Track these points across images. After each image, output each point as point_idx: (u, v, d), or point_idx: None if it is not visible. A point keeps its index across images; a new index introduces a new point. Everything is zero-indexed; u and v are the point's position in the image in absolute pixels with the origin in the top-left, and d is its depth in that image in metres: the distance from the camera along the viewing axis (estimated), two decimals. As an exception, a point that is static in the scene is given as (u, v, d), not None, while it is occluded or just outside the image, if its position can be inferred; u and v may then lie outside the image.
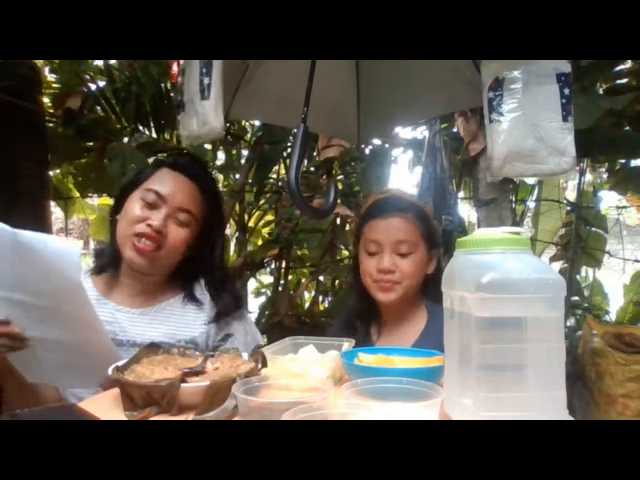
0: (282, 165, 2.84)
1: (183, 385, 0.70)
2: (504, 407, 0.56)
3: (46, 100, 2.41)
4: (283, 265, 2.80)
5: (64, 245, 0.80)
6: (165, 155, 2.13)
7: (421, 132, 2.76)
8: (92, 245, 4.94)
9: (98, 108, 2.41)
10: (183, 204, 1.05)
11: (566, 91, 1.17)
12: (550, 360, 0.58)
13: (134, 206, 1.04)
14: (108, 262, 1.10)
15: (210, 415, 0.66)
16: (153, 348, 0.87)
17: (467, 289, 0.59)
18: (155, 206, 1.04)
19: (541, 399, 0.57)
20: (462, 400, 0.60)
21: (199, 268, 1.14)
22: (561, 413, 0.58)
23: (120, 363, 0.78)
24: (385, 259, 1.15)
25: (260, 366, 0.78)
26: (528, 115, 1.18)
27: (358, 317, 1.25)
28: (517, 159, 1.20)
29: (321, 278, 2.99)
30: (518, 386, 0.57)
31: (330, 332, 1.32)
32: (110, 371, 0.74)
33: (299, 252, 2.98)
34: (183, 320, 1.09)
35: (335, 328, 1.34)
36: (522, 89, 1.19)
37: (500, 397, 0.57)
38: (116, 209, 1.11)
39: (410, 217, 1.18)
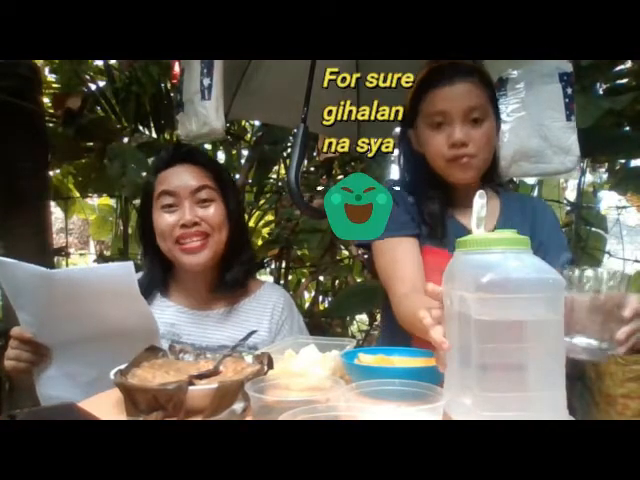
0: (282, 165, 2.84)
1: (191, 388, 0.68)
2: (504, 407, 0.56)
3: (46, 100, 2.41)
4: (283, 265, 2.80)
5: (115, 267, 0.86)
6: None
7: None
8: (92, 245, 4.93)
9: (98, 108, 2.41)
10: (197, 183, 1.03)
11: (569, 90, 1.18)
12: (550, 360, 0.57)
13: (160, 218, 1.03)
14: (158, 277, 1.10)
15: (218, 418, 0.66)
16: (153, 351, 0.85)
17: (467, 289, 0.58)
18: (176, 205, 1.03)
19: (541, 399, 0.57)
20: (462, 400, 0.60)
21: (242, 247, 1.10)
22: (561, 413, 0.58)
23: (122, 367, 0.77)
24: (456, 130, 0.99)
25: (266, 368, 0.76)
26: (532, 115, 1.18)
27: (428, 197, 1.07)
28: (523, 159, 1.21)
29: (321, 278, 2.99)
30: (518, 386, 0.57)
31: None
32: (112, 375, 0.73)
33: (299, 252, 2.98)
34: (246, 324, 1.07)
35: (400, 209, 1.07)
36: (525, 88, 1.19)
37: (500, 397, 0.57)
38: (144, 229, 1.09)
39: (477, 81, 1.02)
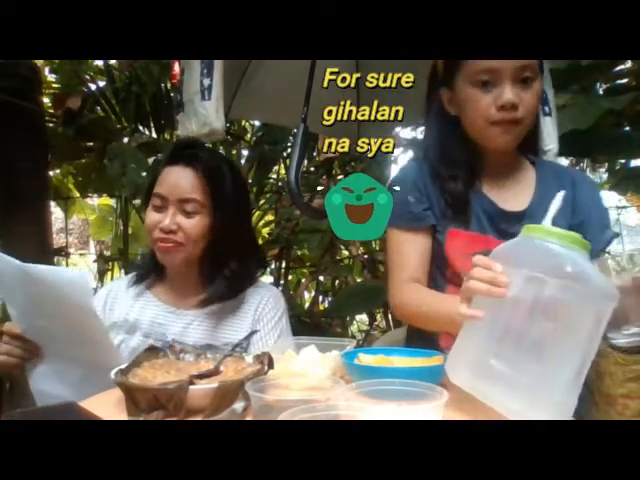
0: (282, 165, 2.84)
1: (191, 387, 0.69)
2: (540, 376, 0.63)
3: (46, 100, 2.41)
4: (283, 265, 2.80)
5: (73, 275, 0.85)
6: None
7: (421, 132, 2.75)
8: (92, 245, 4.93)
9: (98, 108, 2.41)
10: (184, 194, 1.04)
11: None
12: (592, 351, 0.65)
13: (148, 214, 1.07)
14: (151, 266, 1.13)
15: (218, 418, 0.66)
16: (154, 351, 0.86)
17: (548, 272, 0.62)
18: (163, 207, 1.05)
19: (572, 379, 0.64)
20: (494, 364, 0.64)
21: (229, 257, 1.10)
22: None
23: (123, 366, 0.77)
24: (506, 91, 0.90)
25: (267, 368, 0.76)
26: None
27: (455, 167, 1.00)
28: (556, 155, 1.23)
29: (321, 278, 2.99)
30: (565, 364, 0.63)
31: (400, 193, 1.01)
32: (113, 375, 0.74)
33: (299, 252, 2.98)
34: (231, 323, 1.09)
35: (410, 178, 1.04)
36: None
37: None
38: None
39: None
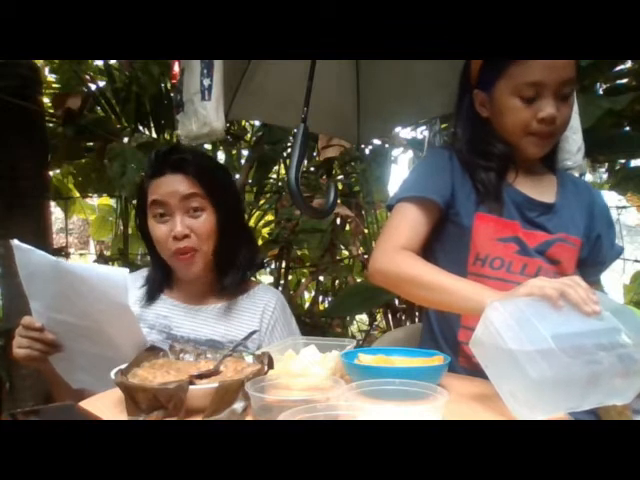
0: (282, 165, 2.84)
1: (191, 387, 0.69)
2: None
3: (46, 100, 2.41)
4: (283, 265, 2.79)
5: (110, 271, 0.86)
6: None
7: (421, 132, 2.75)
8: (92, 245, 4.93)
9: (98, 108, 2.41)
10: (185, 191, 1.04)
11: None
12: None
13: (154, 228, 1.06)
14: (160, 277, 1.13)
15: (218, 418, 0.66)
16: (154, 351, 0.86)
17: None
18: (167, 214, 1.05)
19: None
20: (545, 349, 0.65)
21: (238, 247, 1.12)
22: None
23: (123, 366, 0.77)
24: (548, 105, 0.92)
25: (267, 368, 0.76)
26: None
27: (487, 161, 1.00)
28: (579, 153, 1.22)
29: (321, 278, 2.99)
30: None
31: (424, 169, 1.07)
32: (113, 375, 0.74)
33: (299, 252, 2.97)
34: (236, 322, 1.10)
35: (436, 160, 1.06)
36: None
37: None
38: (142, 231, 1.12)
39: None
